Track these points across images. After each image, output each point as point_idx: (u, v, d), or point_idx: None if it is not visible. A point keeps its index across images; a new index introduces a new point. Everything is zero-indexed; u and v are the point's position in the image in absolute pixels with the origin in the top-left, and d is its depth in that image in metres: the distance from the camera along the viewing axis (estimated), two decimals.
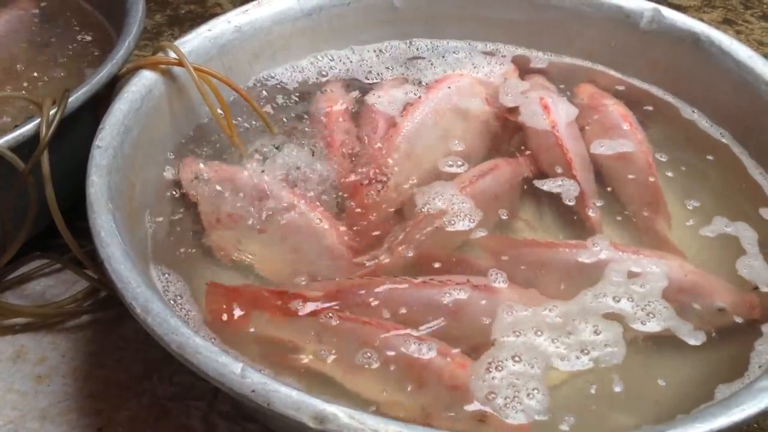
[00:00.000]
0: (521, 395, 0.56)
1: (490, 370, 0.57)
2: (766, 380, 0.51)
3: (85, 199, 0.59)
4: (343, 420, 0.46)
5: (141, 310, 0.52)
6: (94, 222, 0.57)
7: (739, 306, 0.63)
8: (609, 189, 0.74)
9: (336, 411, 0.46)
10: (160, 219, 0.68)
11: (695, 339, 0.61)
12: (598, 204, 0.72)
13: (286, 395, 0.47)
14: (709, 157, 0.77)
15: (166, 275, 0.62)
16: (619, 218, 0.71)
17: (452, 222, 0.67)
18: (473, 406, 0.55)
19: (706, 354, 0.61)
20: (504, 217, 0.70)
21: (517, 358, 0.57)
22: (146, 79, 0.70)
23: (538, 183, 0.73)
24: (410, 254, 0.66)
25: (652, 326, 0.61)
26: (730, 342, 0.62)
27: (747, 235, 0.69)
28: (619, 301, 0.62)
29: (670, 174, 0.74)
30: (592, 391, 0.58)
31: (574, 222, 0.71)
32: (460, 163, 0.73)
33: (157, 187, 0.69)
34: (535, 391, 0.56)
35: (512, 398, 0.55)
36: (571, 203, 0.71)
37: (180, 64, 0.70)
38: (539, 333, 0.59)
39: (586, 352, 0.59)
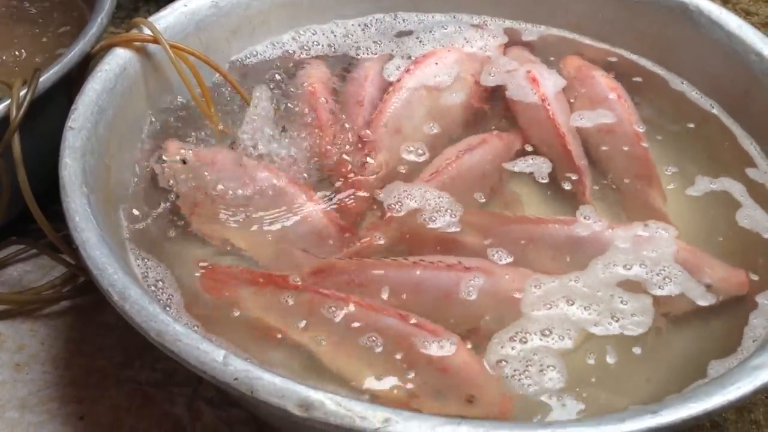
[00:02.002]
0: (532, 370, 0.55)
1: (514, 339, 0.56)
2: (760, 357, 0.50)
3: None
4: (330, 407, 0.45)
5: (118, 297, 0.50)
6: (68, 206, 0.55)
7: (728, 282, 0.62)
8: (584, 162, 0.72)
9: (322, 398, 0.45)
10: (139, 203, 0.66)
11: (707, 301, 0.61)
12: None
13: (269, 382, 0.46)
14: (696, 128, 0.76)
15: (146, 260, 0.61)
16: (606, 191, 0.71)
17: (433, 218, 0.65)
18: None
19: (699, 327, 0.61)
20: (483, 200, 0.69)
21: (547, 332, 0.57)
22: (120, 57, 0.68)
23: (507, 165, 0.71)
24: (397, 233, 0.65)
25: (671, 289, 0.60)
26: (724, 314, 0.61)
27: (736, 188, 0.69)
28: (630, 268, 0.61)
29: (645, 144, 0.73)
30: (588, 368, 0.57)
31: (563, 197, 0.70)
32: (421, 151, 0.71)
33: (134, 170, 0.67)
34: (550, 369, 0.55)
35: (522, 371, 0.55)
36: (545, 180, 0.70)
37: (155, 41, 0.68)
38: (569, 302, 0.59)
39: (617, 319, 0.59)
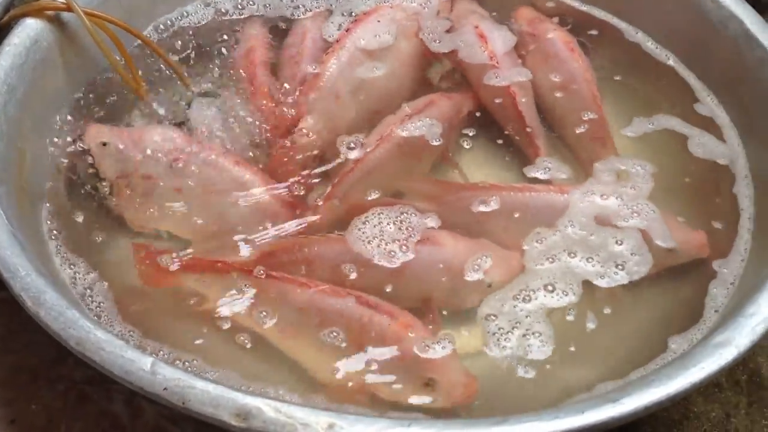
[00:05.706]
0: (515, 332, 0.55)
1: (518, 298, 0.57)
2: (722, 333, 0.48)
3: None
4: (269, 414, 0.43)
5: (32, 303, 0.46)
6: None
7: (688, 245, 0.61)
8: (537, 122, 0.70)
9: (260, 405, 0.43)
10: (60, 193, 0.62)
11: (667, 243, 0.60)
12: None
13: (203, 391, 0.43)
14: (652, 79, 0.74)
15: (72, 264, 0.57)
16: (559, 150, 0.69)
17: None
18: None
19: (660, 298, 0.60)
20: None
21: (550, 287, 0.57)
22: (31, 28, 0.63)
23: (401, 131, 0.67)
24: (340, 206, 0.63)
25: (635, 223, 0.60)
26: (683, 285, 0.60)
27: (673, 123, 0.70)
28: (607, 198, 0.61)
29: (599, 103, 0.71)
30: (561, 335, 0.56)
31: (516, 159, 0.68)
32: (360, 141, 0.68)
33: (53, 155, 0.63)
34: (536, 335, 0.55)
35: (507, 331, 0.55)
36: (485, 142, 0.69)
37: (68, 8, 0.63)
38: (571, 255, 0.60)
39: (621, 266, 0.59)
